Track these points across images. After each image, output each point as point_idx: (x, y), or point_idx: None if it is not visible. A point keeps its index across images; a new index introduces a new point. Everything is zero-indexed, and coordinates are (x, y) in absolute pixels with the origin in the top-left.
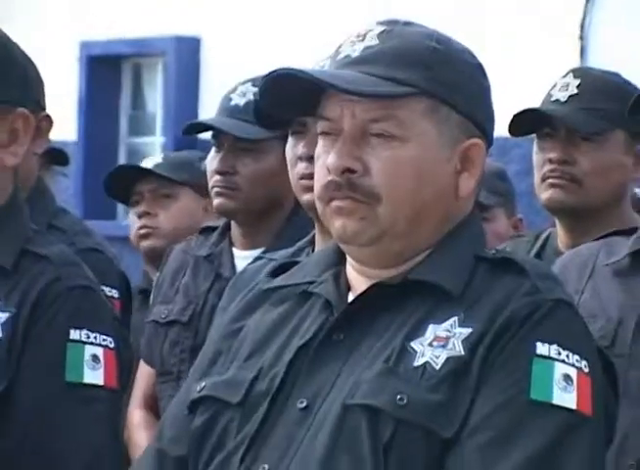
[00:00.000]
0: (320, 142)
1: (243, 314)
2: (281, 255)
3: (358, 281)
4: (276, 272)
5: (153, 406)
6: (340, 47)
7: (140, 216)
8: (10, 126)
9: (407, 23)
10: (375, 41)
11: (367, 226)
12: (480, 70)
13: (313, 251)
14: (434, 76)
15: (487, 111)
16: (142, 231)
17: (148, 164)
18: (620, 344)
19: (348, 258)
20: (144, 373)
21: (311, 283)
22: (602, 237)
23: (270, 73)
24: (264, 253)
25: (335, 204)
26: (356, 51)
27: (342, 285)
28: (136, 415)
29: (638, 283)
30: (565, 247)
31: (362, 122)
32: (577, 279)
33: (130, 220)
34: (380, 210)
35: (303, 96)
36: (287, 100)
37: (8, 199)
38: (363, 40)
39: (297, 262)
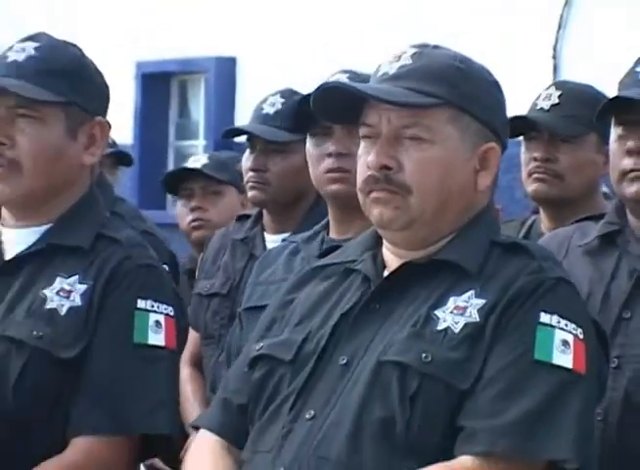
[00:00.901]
0: (362, 144)
1: (294, 289)
2: (300, 237)
3: (392, 260)
4: (324, 253)
5: (197, 364)
6: (380, 66)
7: (192, 210)
8: (89, 132)
9: (435, 47)
10: (408, 61)
11: (400, 214)
12: (496, 85)
13: (328, 234)
14: (458, 90)
15: (502, 119)
16: (195, 223)
17: (196, 164)
18: (590, 312)
19: (384, 241)
20: (191, 337)
21: (353, 262)
22: (576, 222)
23: (322, 85)
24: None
25: (373, 195)
26: (393, 69)
27: (379, 263)
28: (185, 371)
29: (604, 261)
30: (548, 231)
31: (396, 128)
32: None
33: (178, 211)
34: (411, 200)
35: (344, 106)
36: (331, 108)
37: (86, 191)
38: (399, 60)
39: (339, 246)
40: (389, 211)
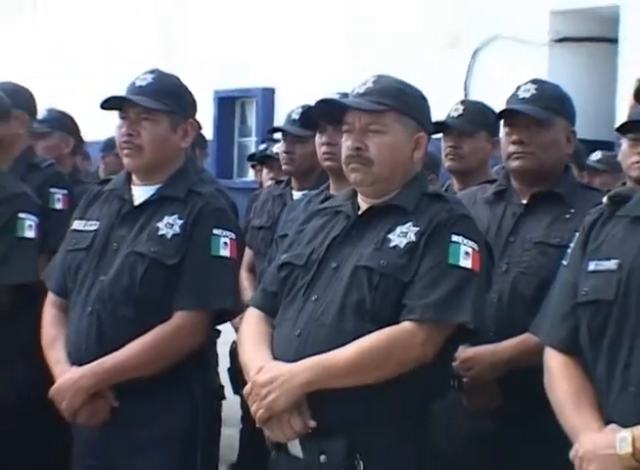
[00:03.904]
0: (344, 136)
1: (305, 222)
2: (311, 193)
3: (363, 205)
4: (323, 201)
5: (252, 270)
6: (354, 88)
7: (272, 179)
8: (184, 128)
9: (388, 76)
10: (371, 84)
11: (367, 177)
12: (423, 98)
13: (329, 190)
14: (400, 101)
15: (428, 119)
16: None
17: (278, 150)
18: (489, 240)
19: (359, 194)
20: (248, 253)
21: (340, 206)
22: (478, 184)
23: (320, 100)
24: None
25: (351, 166)
26: (362, 89)
27: (356, 207)
28: (244, 274)
29: (497, 208)
30: (458, 190)
31: (364, 124)
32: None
33: (264, 179)
34: (373, 168)
35: (334, 111)
36: (325, 113)
37: (182, 164)
38: (365, 84)
39: (332, 196)
40: (360, 176)
